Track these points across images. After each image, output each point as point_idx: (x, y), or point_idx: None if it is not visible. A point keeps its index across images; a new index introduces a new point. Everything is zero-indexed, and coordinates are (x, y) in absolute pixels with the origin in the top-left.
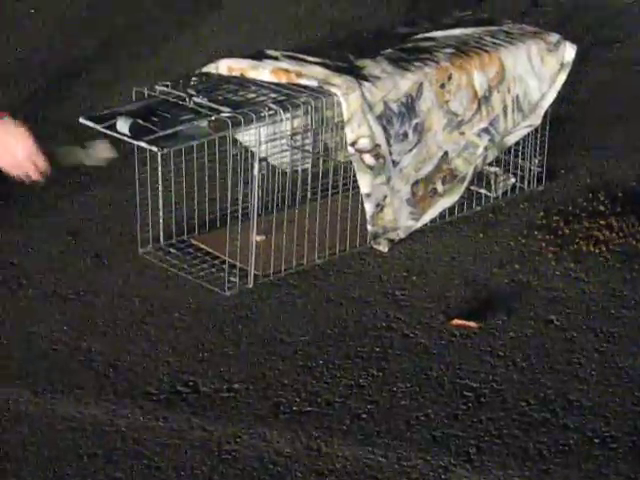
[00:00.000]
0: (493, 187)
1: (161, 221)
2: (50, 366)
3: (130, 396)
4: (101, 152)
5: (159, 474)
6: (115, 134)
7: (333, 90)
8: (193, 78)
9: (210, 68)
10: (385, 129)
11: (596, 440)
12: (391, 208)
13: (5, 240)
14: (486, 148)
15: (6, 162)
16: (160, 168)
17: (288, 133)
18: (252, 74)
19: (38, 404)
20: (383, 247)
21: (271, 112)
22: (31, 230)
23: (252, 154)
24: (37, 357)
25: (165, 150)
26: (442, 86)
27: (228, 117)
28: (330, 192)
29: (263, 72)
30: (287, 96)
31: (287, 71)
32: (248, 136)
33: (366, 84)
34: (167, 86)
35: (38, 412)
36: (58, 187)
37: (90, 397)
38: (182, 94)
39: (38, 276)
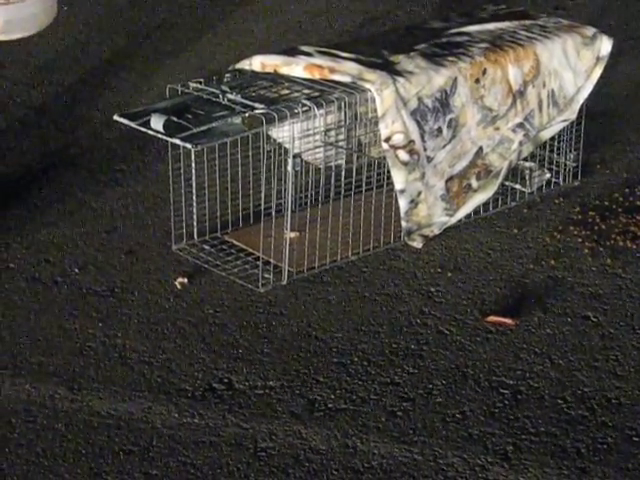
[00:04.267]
0: (528, 182)
1: (195, 217)
2: (86, 363)
3: (165, 393)
4: None
5: (194, 471)
6: (149, 131)
7: (367, 86)
8: (226, 75)
9: (243, 65)
10: (419, 125)
11: (635, 438)
12: (425, 204)
13: (41, 238)
14: (521, 143)
15: None
16: (194, 165)
17: (322, 129)
18: (285, 70)
19: (74, 401)
20: (417, 243)
21: (305, 108)
22: (66, 228)
23: (286, 150)
24: (73, 354)
25: (199, 147)
26: (477, 81)
27: (262, 113)
28: (364, 188)
29: (296, 68)
30: (320, 92)
31: (320, 67)
32: (282, 132)
33: (400, 80)
34: (200, 83)
35: (74, 409)
36: (93, 184)
37: (125, 394)
38: (215, 91)
39: (73, 273)
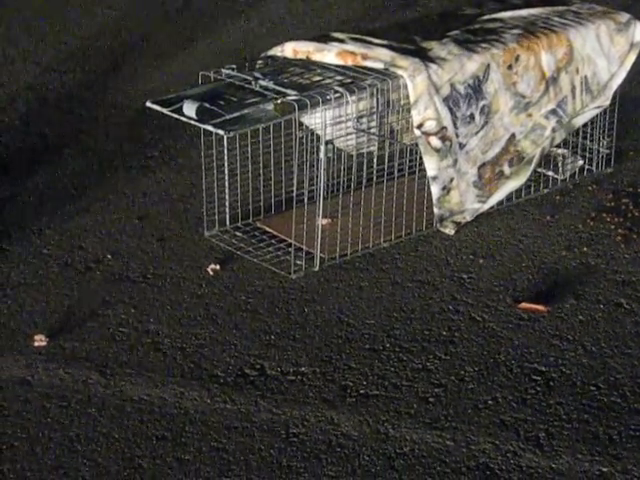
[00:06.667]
0: (561, 169)
1: (227, 204)
2: (118, 349)
3: (198, 379)
4: None
5: (227, 456)
6: (182, 117)
7: (399, 72)
8: (259, 61)
9: (276, 51)
10: (452, 111)
11: None
12: (457, 191)
13: (73, 224)
14: (554, 130)
15: None
16: (226, 151)
17: (354, 116)
18: (317, 57)
19: (107, 386)
20: (449, 230)
21: (337, 95)
22: (99, 214)
23: (318, 137)
24: (105, 339)
25: (231, 133)
26: (509, 67)
27: (294, 100)
28: (396, 175)
29: (328, 55)
30: (353, 78)
31: (353, 53)
32: (314, 119)
33: (432, 66)
34: (233, 69)
35: (107, 394)
36: (125, 171)
37: (158, 380)
38: (248, 77)
39: (106, 259)
